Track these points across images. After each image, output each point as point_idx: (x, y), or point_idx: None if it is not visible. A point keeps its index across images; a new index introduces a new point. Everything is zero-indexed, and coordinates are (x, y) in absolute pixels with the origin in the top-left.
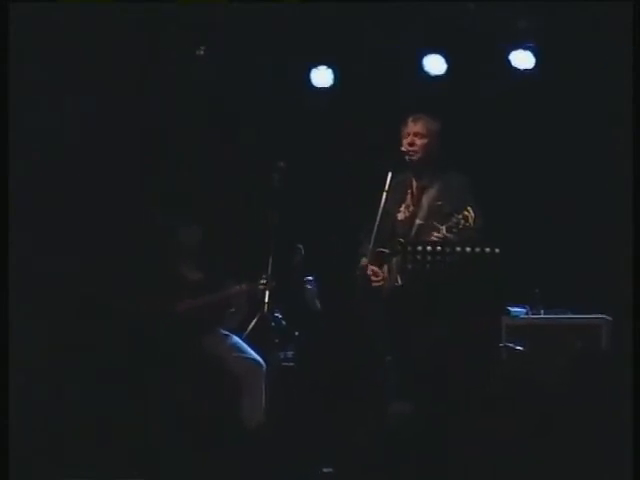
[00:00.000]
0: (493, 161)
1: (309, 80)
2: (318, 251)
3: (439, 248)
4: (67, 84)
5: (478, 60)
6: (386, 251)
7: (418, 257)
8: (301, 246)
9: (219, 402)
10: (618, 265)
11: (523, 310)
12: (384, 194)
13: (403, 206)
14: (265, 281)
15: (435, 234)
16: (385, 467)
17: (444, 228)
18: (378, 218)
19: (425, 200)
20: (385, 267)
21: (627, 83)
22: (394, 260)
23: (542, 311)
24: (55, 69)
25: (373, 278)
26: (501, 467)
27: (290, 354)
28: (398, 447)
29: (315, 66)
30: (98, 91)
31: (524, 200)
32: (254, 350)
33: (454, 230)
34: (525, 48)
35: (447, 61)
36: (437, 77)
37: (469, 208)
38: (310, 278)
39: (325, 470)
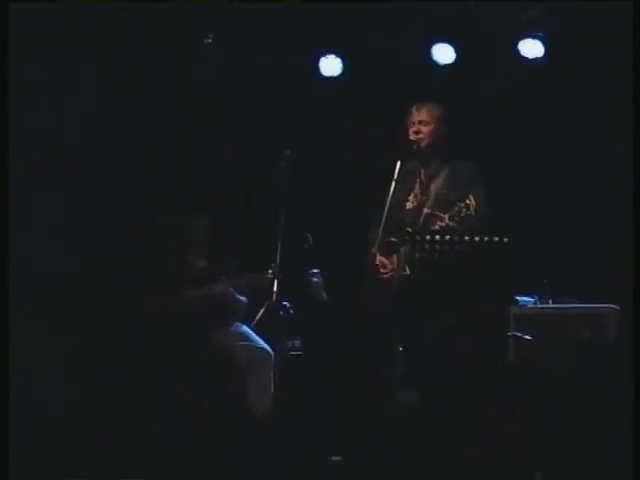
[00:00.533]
0: (501, 151)
1: (318, 69)
2: (327, 241)
3: (447, 237)
4: (67, 84)
5: (487, 49)
6: (395, 241)
7: (426, 246)
8: (309, 235)
9: (227, 391)
10: (626, 255)
11: (531, 299)
12: (393, 183)
13: (412, 195)
14: (273, 270)
15: (439, 223)
16: (392, 456)
17: (447, 217)
18: (387, 208)
19: (433, 189)
20: (394, 257)
21: (627, 83)
22: (402, 250)
23: (550, 300)
24: (55, 69)
25: (382, 270)
26: (509, 455)
27: (298, 343)
28: (405, 436)
29: (324, 55)
30: (98, 91)
31: (532, 189)
32: (262, 339)
33: (456, 218)
34: (534, 37)
35: (456, 50)
36: (446, 66)
37: (470, 196)
38: (316, 271)
39: (334, 459)
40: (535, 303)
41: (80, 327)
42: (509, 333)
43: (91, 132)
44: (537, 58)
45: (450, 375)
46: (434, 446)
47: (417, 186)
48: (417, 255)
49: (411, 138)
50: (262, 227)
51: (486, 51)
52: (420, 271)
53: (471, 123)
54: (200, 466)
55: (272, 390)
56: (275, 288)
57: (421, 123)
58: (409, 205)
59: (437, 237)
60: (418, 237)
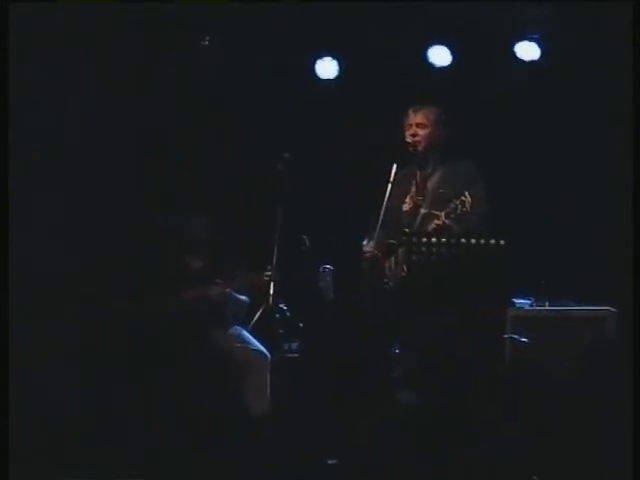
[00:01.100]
0: (498, 152)
1: (314, 72)
2: (324, 243)
3: (444, 239)
4: (67, 84)
5: (484, 51)
6: (394, 242)
7: (423, 248)
8: (306, 237)
9: (224, 392)
10: (623, 257)
11: (528, 301)
12: (389, 186)
13: (408, 197)
14: (270, 272)
15: (435, 221)
16: (390, 457)
17: (443, 214)
18: (383, 210)
19: (429, 188)
20: (392, 259)
21: (627, 83)
22: (400, 251)
23: (547, 303)
24: (55, 69)
25: (380, 271)
26: (506, 456)
27: (295, 345)
28: (403, 437)
29: (320, 57)
30: (98, 91)
31: (529, 191)
32: (259, 341)
33: (452, 216)
34: (530, 39)
35: (452, 52)
36: (442, 68)
37: (466, 193)
38: (328, 267)
39: (330, 462)
40: (532, 305)
41: (80, 327)
42: (506, 335)
43: (91, 132)
44: (534, 60)
45: (447, 376)
46: (432, 447)
47: (413, 188)
48: (414, 257)
49: (408, 141)
50: (259, 228)
51: (483, 53)
52: (417, 272)
53: (468, 125)
54: (199, 467)
55: (269, 392)
56: (272, 290)
57: (418, 126)
58: (406, 207)
59: (434, 239)
60: (415, 239)
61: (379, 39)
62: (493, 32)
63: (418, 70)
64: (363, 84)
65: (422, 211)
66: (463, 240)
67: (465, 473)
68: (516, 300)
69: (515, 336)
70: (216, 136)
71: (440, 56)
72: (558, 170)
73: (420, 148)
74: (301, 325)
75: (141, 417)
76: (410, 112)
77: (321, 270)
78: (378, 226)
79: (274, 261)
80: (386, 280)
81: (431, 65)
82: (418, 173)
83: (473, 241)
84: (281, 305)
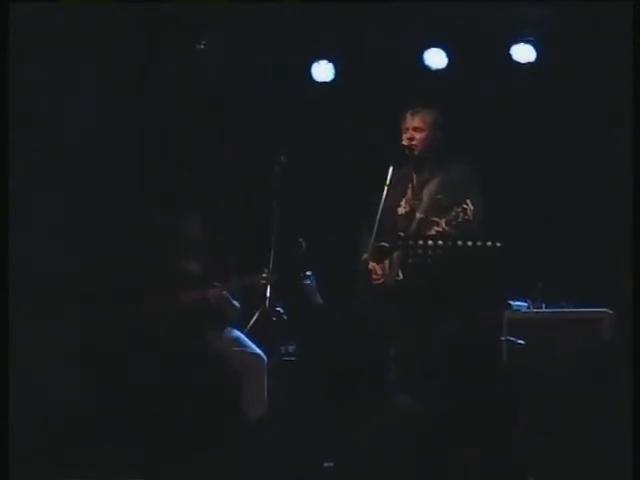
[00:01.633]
0: (495, 155)
1: (310, 75)
2: (320, 246)
3: (440, 242)
4: (67, 84)
5: (479, 54)
6: (387, 246)
7: (419, 251)
8: (302, 240)
9: (221, 396)
10: (619, 259)
11: (524, 304)
12: (385, 189)
13: (404, 200)
14: (266, 275)
15: (435, 228)
16: (387, 461)
17: (443, 222)
18: (379, 213)
19: (426, 193)
20: (386, 262)
21: (627, 83)
22: (395, 254)
23: (543, 305)
24: (55, 69)
25: (374, 275)
26: (503, 459)
27: (292, 348)
28: (400, 440)
29: (316, 60)
30: (98, 91)
31: (525, 193)
32: (256, 344)
33: (453, 223)
34: (526, 42)
35: (448, 55)
36: (438, 71)
37: (468, 201)
38: (309, 273)
39: (326, 465)
40: (528, 307)
41: (80, 327)
42: (502, 338)
43: (91, 132)
44: (532, 61)
45: (444, 379)
46: (430, 450)
47: (409, 191)
48: (410, 260)
49: (404, 144)
50: (256, 232)
51: (479, 55)
52: (413, 276)
53: (466, 128)
54: (198, 468)
55: (266, 395)
56: (268, 294)
57: (415, 130)
58: (401, 210)
59: (430, 242)
60: (411, 242)
61: (375, 41)
62: (490, 34)
63: (414, 73)
64: (359, 87)
65: (418, 215)
66: (459, 243)
67: (464, 476)
68: (513, 302)
69: (512, 338)
70: (213, 137)
71: (436, 59)
72: (555, 172)
73: (417, 152)
74: (298, 328)
75: (141, 417)
76: (408, 115)
77: (302, 278)
78: (374, 229)
79: (271, 264)
80: (382, 284)
81: (427, 68)
82: (415, 177)
83: (469, 244)
84: (278, 308)
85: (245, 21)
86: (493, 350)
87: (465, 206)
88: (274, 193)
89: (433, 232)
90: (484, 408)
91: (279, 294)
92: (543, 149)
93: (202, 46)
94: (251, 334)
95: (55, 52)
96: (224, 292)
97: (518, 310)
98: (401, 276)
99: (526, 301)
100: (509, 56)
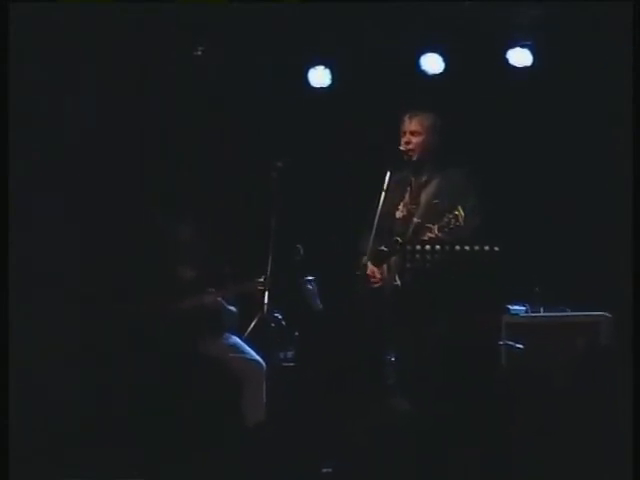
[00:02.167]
0: (494, 159)
1: (307, 80)
2: (318, 251)
3: (438, 247)
4: (67, 84)
5: (476, 58)
6: (386, 250)
7: (417, 256)
8: (300, 246)
9: (220, 402)
10: (617, 262)
11: (523, 308)
12: (383, 193)
13: (402, 204)
14: (264, 282)
15: (428, 234)
16: (386, 466)
17: (436, 228)
18: (377, 217)
19: (423, 198)
20: (385, 266)
21: (627, 83)
22: (393, 259)
23: (542, 309)
24: (55, 69)
25: (372, 279)
26: (502, 464)
27: (290, 354)
28: (399, 446)
29: (313, 66)
30: (98, 91)
31: (523, 198)
32: (254, 351)
33: (445, 230)
34: (523, 46)
35: (445, 60)
36: (435, 76)
37: (459, 207)
38: (310, 278)
39: (324, 470)
40: (527, 312)
41: (80, 327)
42: (501, 342)
43: (91, 132)
44: (530, 64)
45: (442, 383)
46: (429, 454)
47: (407, 195)
48: (408, 265)
49: (401, 148)
50: (253, 238)
51: (476, 59)
52: (411, 281)
53: (463, 132)
54: (200, 467)
55: (265, 401)
56: (266, 299)
57: (412, 133)
58: (399, 214)
59: (427, 247)
60: (408, 247)
61: (372, 44)
62: (487, 37)
63: (412, 76)
64: (356, 91)
65: (415, 220)
66: (457, 247)
67: (463, 478)
68: (511, 306)
69: (511, 342)
70: (211, 140)
71: (432, 64)
72: (553, 175)
73: (413, 156)
74: (296, 334)
75: (141, 418)
76: (406, 119)
77: (303, 282)
78: (372, 233)
79: (269, 270)
80: (380, 288)
81: (424, 73)
82: (413, 181)
83: (467, 248)
84: (276, 314)
85: (245, 21)
86: (492, 354)
87: (457, 212)
88: (271, 198)
89: (426, 238)
90: (483, 412)
91: (277, 300)
92: (541, 152)
93: (199, 52)
94: (249, 340)
95: (55, 52)
96: (219, 298)
97: (516, 314)
98: (398, 281)
99: (524, 305)
100: (506, 60)
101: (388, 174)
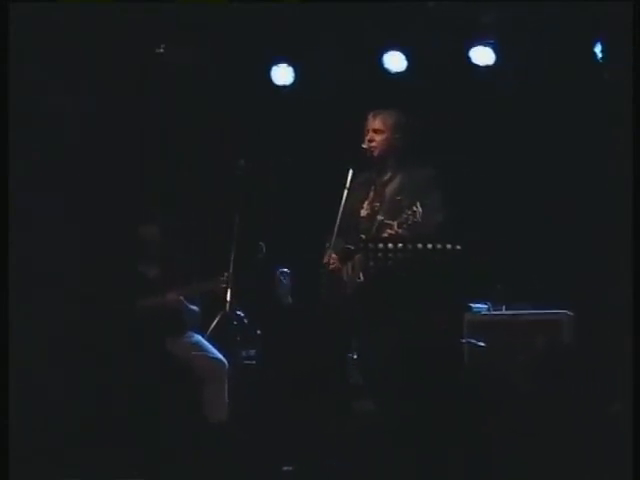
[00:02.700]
0: (456, 156)
1: (269, 78)
2: (281, 249)
3: (400, 245)
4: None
5: (438, 57)
6: (351, 248)
7: (379, 254)
8: (263, 244)
9: (181, 400)
10: (579, 260)
11: (485, 306)
12: (345, 191)
13: (366, 203)
14: (227, 279)
15: (388, 231)
16: (346, 465)
17: (396, 224)
18: (339, 216)
19: (387, 195)
20: (349, 264)
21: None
22: (357, 257)
23: (504, 307)
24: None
25: (337, 277)
26: (466, 462)
27: (252, 352)
28: (361, 445)
29: (275, 64)
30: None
31: (485, 195)
32: (216, 349)
33: (404, 226)
34: (485, 45)
35: (407, 58)
36: (398, 74)
37: (417, 204)
38: (286, 270)
39: (285, 469)
40: (488, 310)
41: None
42: (463, 340)
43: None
44: (494, 62)
45: (405, 382)
46: (390, 454)
47: (371, 193)
48: (371, 263)
49: (364, 146)
50: (216, 236)
51: (438, 58)
52: (374, 279)
53: (429, 129)
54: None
55: (227, 399)
56: (229, 297)
57: (375, 132)
58: (363, 212)
59: (390, 245)
60: (371, 245)
61: (335, 43)
62: (449, 36)
63: (375, 76)
64: (320, 89)
65: (379, 218)
66: (420, 245)
67: (426, 477)
68: (473, 304)
69: (472, 341)
70: (180, 141)
71: (395, 62)
72: (514, 172)
73: (376, 154)
74: (258, 332)
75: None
76: (370, 117)
77: (278, 274)
78: (335, 232)
79: (231, 268)
80: (343, 286)
81: (386, 71)
82: (376, 179)
83: (430, 246)
84: (238, 312)
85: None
86: (454, 353)
87: (415, 209)
88: (234, 196)
89: (386, 235)
90: (446, 411)
91: (239, 298)
92: (503, 149)
93: (161, 50)
94: (212, 338)
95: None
96: (181, 297)
97: (478, 312)
98: (362, 278)
99: (486, 303)
100: (469, 58)
101: (350, 172)
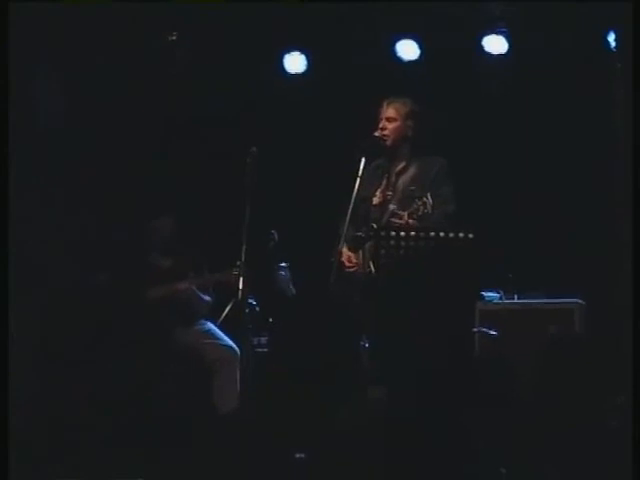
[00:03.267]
0: (469, 146)
1: (282, 66)
2: (293, 237)
3: (412, 233)
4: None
5: (451, 45)
6: (362, 236)
7: (391, 242)
8: (274, 232)
9: (193, 389)
10: (591, 249)
11: (497, 295)
12: (357, 179)
13: (379, 191)
14: (239, 267)
15: (398, 221)
16: (359, 453)
17: (406, 214)
18: (352, 204)
19: (400, 185)
20: (360, 252)
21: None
22: (368, 245)
23: (515, 296)
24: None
25: (347, 264)
26: (474, 451)
27: (264, 340)
28: (374, 432)
29: (288, 52)
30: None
31: (498, 185)
32: (228, 337)
33: (414, 216)
34: (498, 33)
35: (420, 46)
36: (411, 62)
37: (428, 194)
38: (284, 265)
39: (297, 456)
40: (500, 299)
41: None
42: (475, 329)
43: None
44: (506, 50)
45: (417, 370)
46: (402, 441)
47: (384, 182)
48: (382, 251)
49: (376, 134)
50: (227, 224)
51: (451, 46)
52: (385, 267)
53: (441, 119)
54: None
55: (238, 387)
56: (241, 286)
57: (388, 120)
58: (376, 201)
59: (402, 233)
60: (383, 233)
61: (348, 32)
62: (462, 24)
63: (387, 64)
64: (333, 78)
65: (390, 207)
66: (432, 234)
67: (436, 468)
68: (485, 293)
69: (484, 329)
70: (183, 134)
71: (408, 50)
72: (527, 163)
73: (389, 142)
74: (270, 320)
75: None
76: (384, 105)
77: (277, 269)
78: (347, 220)
79: (243, 256)
80: (354, 274)
81: (399, 59)
82: (390, 167)
83: (442, 234)
84: (250, 300)
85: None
86: (466, 341)
87: (425, 199)
88: (246, 185)
89: (396, 224)
90: (457, 399)
91: (251, 286)
92: (517, 139)
93: (174, 37)
94: (223, 326)
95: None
96: (192, 286)
97: (490, 301)
98: (372, 267)
99: (498, 292)
100: (481, 46)
101: (363, 160)
